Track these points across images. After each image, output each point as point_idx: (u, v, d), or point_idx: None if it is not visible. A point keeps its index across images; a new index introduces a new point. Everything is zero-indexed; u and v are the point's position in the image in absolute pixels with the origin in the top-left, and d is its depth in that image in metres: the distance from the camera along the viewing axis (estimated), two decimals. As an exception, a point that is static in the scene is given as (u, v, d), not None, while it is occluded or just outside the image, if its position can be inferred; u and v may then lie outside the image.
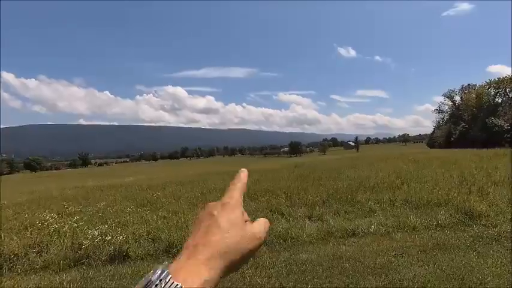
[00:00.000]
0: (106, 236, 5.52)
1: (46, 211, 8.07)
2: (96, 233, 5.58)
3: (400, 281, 3.64)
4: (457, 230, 5.28)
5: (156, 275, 0.42)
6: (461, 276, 3.64)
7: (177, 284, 0.42)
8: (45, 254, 5.30)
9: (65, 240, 5.61)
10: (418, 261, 4.16)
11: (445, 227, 5.48)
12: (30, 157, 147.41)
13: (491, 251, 4.30)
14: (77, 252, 5.21)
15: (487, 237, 4.84)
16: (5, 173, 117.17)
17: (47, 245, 5.61)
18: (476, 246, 4.55)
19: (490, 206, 6.25)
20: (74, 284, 4.26)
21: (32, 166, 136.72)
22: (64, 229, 6.21)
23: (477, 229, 5.21)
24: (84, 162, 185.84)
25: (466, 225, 5.46)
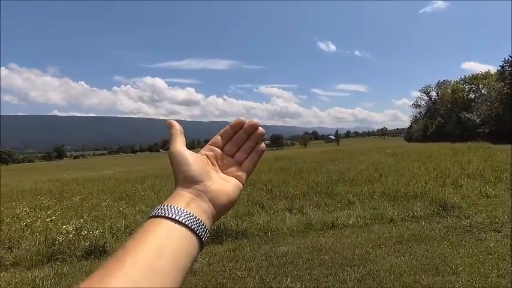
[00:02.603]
0: (81, 230, 5.35)
1: (17, 205, 7.74)
2: (71, 228, 5.39)
3: (377, 271, 3.71)
4: (431, 222, 5.43)
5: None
6: (435, 266, 3.75)
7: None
8: (17, 250, 5.07)
9: (38, 236, 5.39)
10: (395, 252, 4.25)
11: (420, 218, 5.64)
12: (1, 149, 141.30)
13: (463, 242, 4.45)
14: (51, 247, 5.01)
15: (459, 228, 5.00)
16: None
17: (18, 241, 5.37)
18: (450, 236, 4.69)
19: (463, 198, 6.50)
20: (48, 280, 4.10)
21: (3, 159, 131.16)
22: (37, 224, 5.96)
23: (451, 220, 5.38)
24: (60, 154, 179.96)
25: (441, 217, 5.63)
